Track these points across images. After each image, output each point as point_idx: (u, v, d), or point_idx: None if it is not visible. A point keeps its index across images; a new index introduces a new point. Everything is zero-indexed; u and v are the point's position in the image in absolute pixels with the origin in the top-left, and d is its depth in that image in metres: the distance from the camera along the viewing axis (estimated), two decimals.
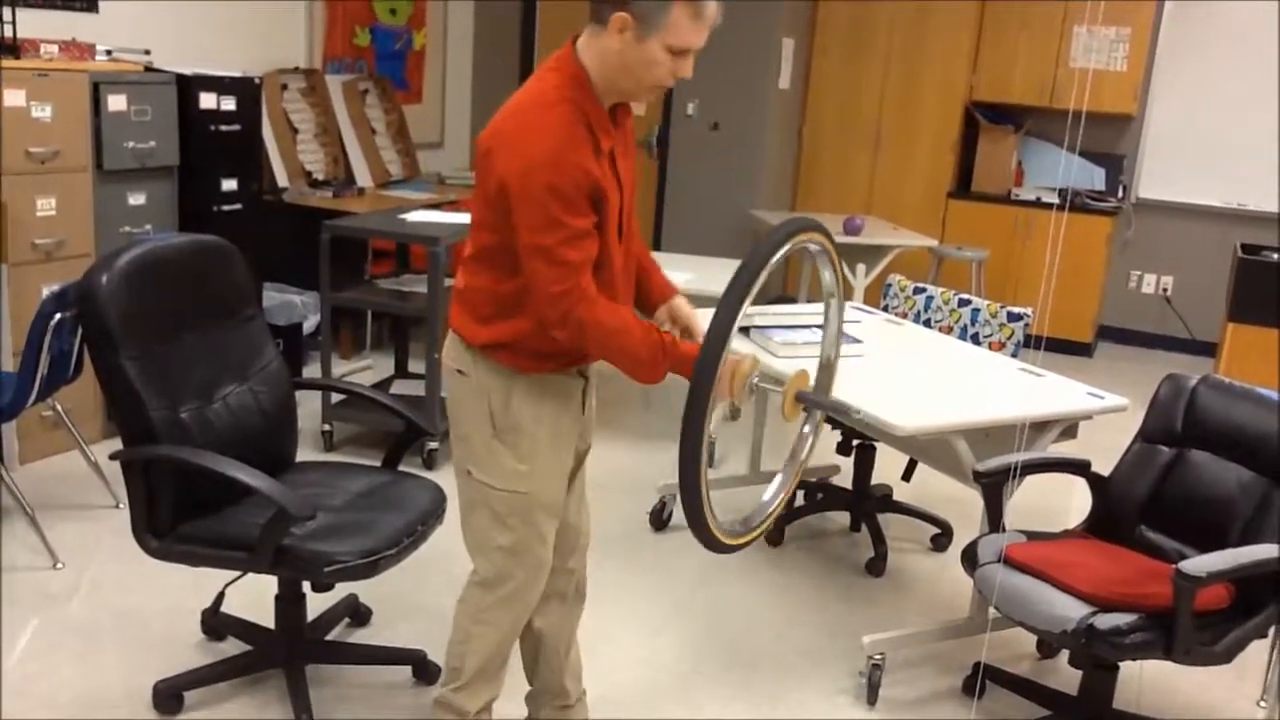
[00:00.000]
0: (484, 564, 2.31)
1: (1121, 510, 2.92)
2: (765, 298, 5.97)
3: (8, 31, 3.86)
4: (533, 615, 2.46)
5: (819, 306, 3.96)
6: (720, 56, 6.75)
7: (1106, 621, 2.43)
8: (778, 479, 2.31)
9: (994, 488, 2.85)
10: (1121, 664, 2.76)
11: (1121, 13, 6.54)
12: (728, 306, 1.89)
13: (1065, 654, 3.20)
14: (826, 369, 2.34)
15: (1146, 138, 6.95)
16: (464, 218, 4.52)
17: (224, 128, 4.54)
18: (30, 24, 4.15)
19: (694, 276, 4.54)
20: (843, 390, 3.05)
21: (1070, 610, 2.48)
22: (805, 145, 7.43)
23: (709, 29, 2.04)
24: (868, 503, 3.92)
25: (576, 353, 2.21)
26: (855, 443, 3.87)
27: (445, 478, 2.36)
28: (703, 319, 2.16)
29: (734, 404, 2.10)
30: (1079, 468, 3.01)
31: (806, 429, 2.34)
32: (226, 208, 4.59)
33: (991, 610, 2.77)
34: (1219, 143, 6.76)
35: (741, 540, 2.13)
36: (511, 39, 7.29)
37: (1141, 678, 3.14)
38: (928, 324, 4.02)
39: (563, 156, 1.98)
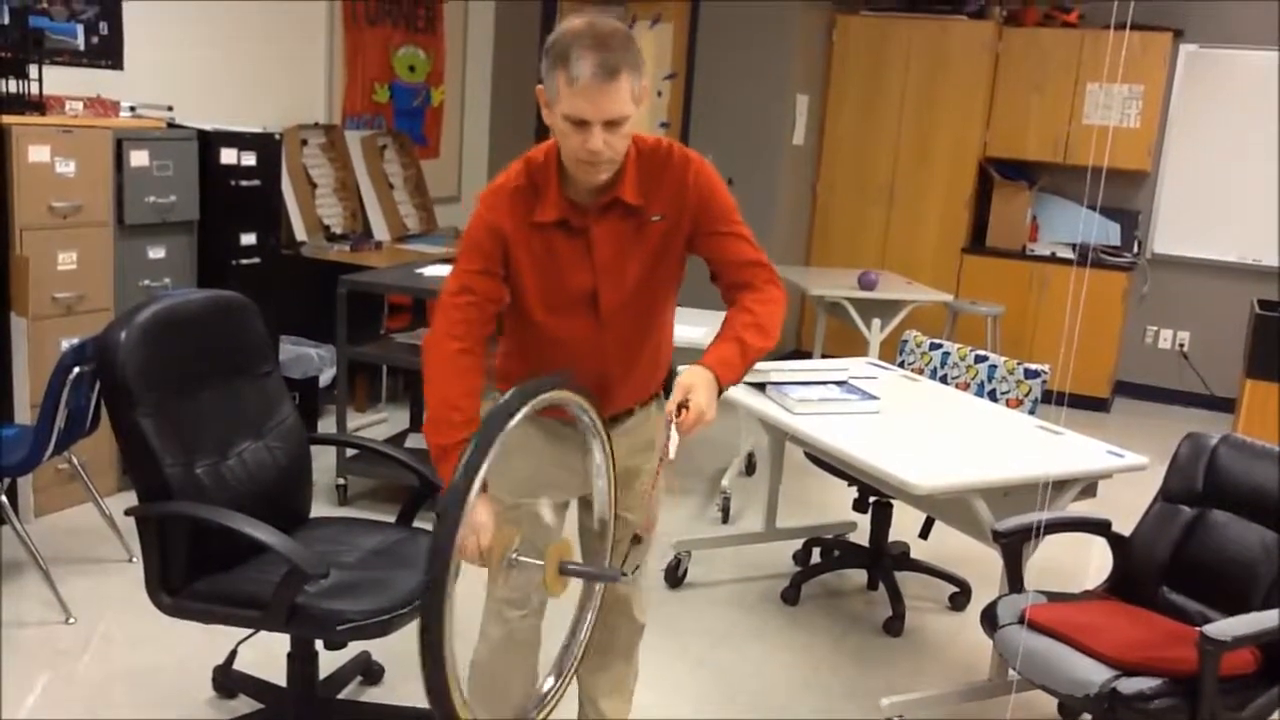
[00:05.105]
0: None
1: (1143, 571, 2.88)
2: (780, 352, 5.95)
3: (34, 89, 3.92)
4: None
5: (838, 362, 3.96)
6: (735, 112, 6.82)
7: (1130, 686, 2.39)
8: (550, 680, 2.19)
9: (1013, 547, 2.82)
10: None
11: (1135, 70, 6.58)
12: (457, 491, 1.73)
13: (1088, 718, 3.15)
14: (603, 529, 2.20)
15: (1161, 193, 6.96)
16: None
17: (244, 183, 4.58)
18: (56, 81, 4.22)
19: (708, 331, 4.54)
20: (859, 447, 3.03)
21: (1093, 674, 2.45)
22: (819, 201, 7.46)
23: (597, 99, 1.93)
24: (885, 561, 3.88)
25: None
26: (872, 500, 3.84)
27: None
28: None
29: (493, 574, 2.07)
30: (1099, 527, 2.97)
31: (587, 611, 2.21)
32: (245, 261, 4.62)
33: (1012, 673, 2.73)
34: (1234, 198, 6.76)
35: None
36: (527, 96, 7.35)
37: None
38: (944, 380, 4.00)
39: (483, 203, 2.14)
